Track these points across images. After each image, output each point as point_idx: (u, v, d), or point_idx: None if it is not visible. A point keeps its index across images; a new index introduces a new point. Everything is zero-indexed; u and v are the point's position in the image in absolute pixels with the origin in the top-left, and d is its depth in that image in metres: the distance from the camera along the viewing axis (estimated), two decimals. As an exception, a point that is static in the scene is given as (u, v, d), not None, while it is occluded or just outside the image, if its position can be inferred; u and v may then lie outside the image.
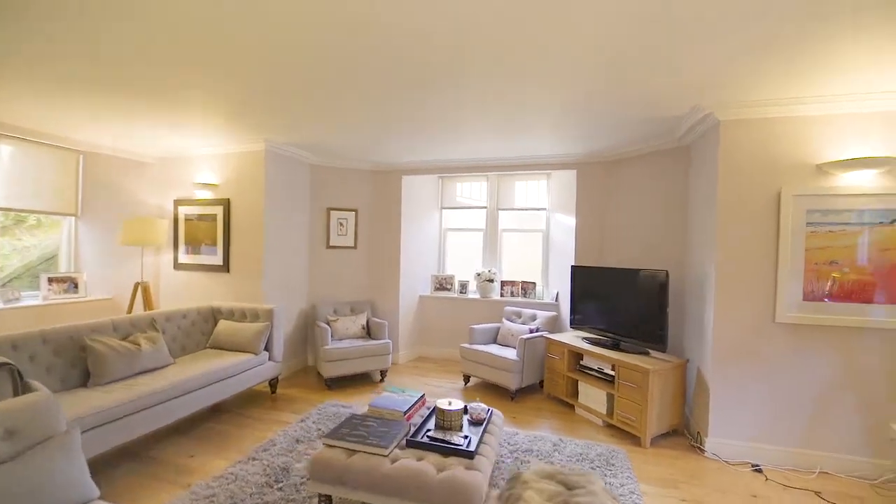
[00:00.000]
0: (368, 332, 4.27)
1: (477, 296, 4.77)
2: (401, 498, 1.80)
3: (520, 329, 3.93)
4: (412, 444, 2.03)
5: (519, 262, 4.86)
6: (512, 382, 3.53)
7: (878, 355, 2.44)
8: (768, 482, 2.42)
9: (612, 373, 3.11)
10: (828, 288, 2.51)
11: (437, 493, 1.75)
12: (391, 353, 4.00)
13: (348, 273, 4.63)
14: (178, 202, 4.16)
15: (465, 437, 2.12)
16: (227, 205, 3.95)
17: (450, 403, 2.28)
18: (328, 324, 4.08)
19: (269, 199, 3.85)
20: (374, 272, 4.75)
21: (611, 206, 3.95)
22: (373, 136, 3.50)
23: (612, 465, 2.56)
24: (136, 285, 3.89)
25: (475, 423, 2.32)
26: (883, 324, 2.42)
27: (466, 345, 3.93)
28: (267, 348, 3.49)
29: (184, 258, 4.15)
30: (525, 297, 4.61)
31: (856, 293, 2.47)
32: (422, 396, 2.52)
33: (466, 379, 3.96)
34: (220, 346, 3.42)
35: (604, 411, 3.12)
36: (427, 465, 1.87)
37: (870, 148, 2.42)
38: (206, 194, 4.02)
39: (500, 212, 4.87)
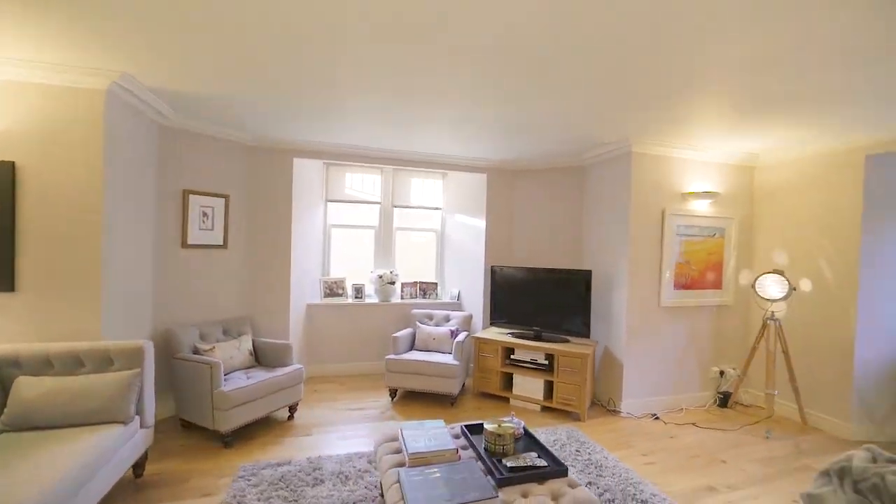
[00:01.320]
0: (257, 358, 3.28)
1: (375, 300, 4.34)
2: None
3: (440, 332, 3.84)
4: (505, 481, 1.78)
5: (412, 262, 4.69)
6: (453, 387, 3.43)
7: (707, 323, 3.69)
8: (667, 425, 3.29)
9: (546, 361, 3.50)
10: (684, 280, 3.60)
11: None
12: (302, 382, 3.20)
13: (214, 282, 3.38)
14: None
15: (538, 455, 2.00)
16: (9, 173, 2.23)
17: (499, 425, 2.10)
18: (204, 354, 2.90)
19: (110, 172, 2.41)
20: (253, 279, 3.64)
21: (518, 210, 4.35)
22: (251, 86, 2.47)
23: (582, 442, 2.92)
24: None
25: (516, 439, 2.20)
26: (708, 302, 3.67)
27: (393, 356, 3.55)
28: (137, 410, 2.21)
29: None
30: (425, 297, 4.51)
31: (696, 283, 3.64)
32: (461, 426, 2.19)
33: (393, 393, 3.59)
34: (34, 425, 1.95)
35: (541, 397, 3.46)
36: (544, 499, 1.69)
37: (708, 184, 3.61)
38: (-55, 149, 2.15)
39: (394, 209, 4.57)
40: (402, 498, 1.61)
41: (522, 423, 2.31)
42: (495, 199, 4.32)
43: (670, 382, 3.59)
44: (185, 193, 3.17)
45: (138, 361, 2.22)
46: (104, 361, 2.19)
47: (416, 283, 4.53)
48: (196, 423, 2.79)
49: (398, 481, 1.73)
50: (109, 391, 2.06)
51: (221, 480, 2.32)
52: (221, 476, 2.36)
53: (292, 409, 3.18)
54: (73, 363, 2.15)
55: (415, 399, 3.62)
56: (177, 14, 1.72)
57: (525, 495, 1.72)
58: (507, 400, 3.65)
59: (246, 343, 3.24)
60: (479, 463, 1.94)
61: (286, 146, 3.69)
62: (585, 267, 3.93)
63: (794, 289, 3.19)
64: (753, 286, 3.32)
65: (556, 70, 2.12)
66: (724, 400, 3.64)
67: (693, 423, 3.30)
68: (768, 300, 3.24)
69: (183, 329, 2.97)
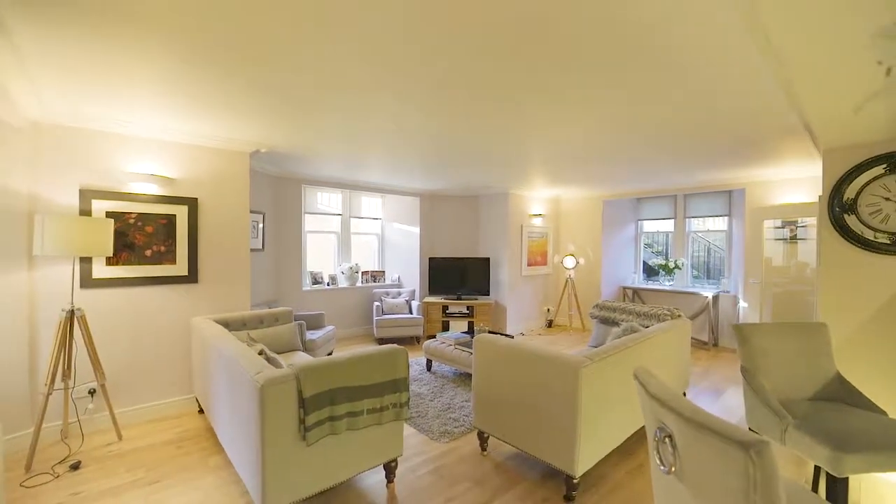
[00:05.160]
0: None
1: (345, 285, 6.05)
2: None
3: (399, 301, 5.92)
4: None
5: (363, 257, 6.53)
6: (419, 332, 5.62)
7: (540, 283, 6.86)
8: (526, 335, 6.25)
9: (468, 311, 6.03)
10: (532, 261, 6.64)
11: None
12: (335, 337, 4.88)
13: (258, 274, 4.69)
14: (92, 193, 2.96)
15: (500, 338, 4.49)
16: (195, 205, 3.41)
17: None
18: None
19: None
20: (278, 272, 5.00)
21: (440, 221, 6.70)
22: (316, 147, 4.43)
23: (496, 347, 5.57)
24: (69, 316, 2.66)
25: (484, 337, 4.63)
26: (540, 273, 6.85)
27: (381, 317, 5.49)
28: (302, 343, 3.74)
29: (105, 271, 3.04)
30: (375, 282, 6.44)
31: (537, 262, 6.75)
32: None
33: (382, 341, 5.52)
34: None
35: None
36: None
37: (540, 209, 6.74)
38: (152, 189, 3.22)
39: (351, 219, 6.32)
40: (451, 343, 3.87)
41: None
42: (426, 214, 6.59)
43: (527, 315, 6.61)
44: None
45: (290, 318, 3.75)
46: (274, 320, 3.65)
47: (368, 271, 6.42)
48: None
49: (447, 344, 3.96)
50: (289, 334, 3.60)
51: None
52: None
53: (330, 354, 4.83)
54: (257, 321, 3.55)
55: (395, 343, 5.63)
56: (285, 118, 3.49)
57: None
58: (446, 337, 6.03)
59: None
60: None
61: (299, 177, 5.15)
62: (485, 255, 6.62)
63: (578, 262, 6.58)
64: (561, 262, 6.58)
65: (457, 158, 4.50)
66: (550, 323, 6.89)
67: (539, 334, 6.36)
68: (568, 268, 6.54)
69: (258, 306, 4.30)
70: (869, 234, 2.49)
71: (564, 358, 2.22)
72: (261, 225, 4.74)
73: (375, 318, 5.50)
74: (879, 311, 2.43)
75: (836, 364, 1.86)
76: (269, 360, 2.47)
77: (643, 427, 2.82)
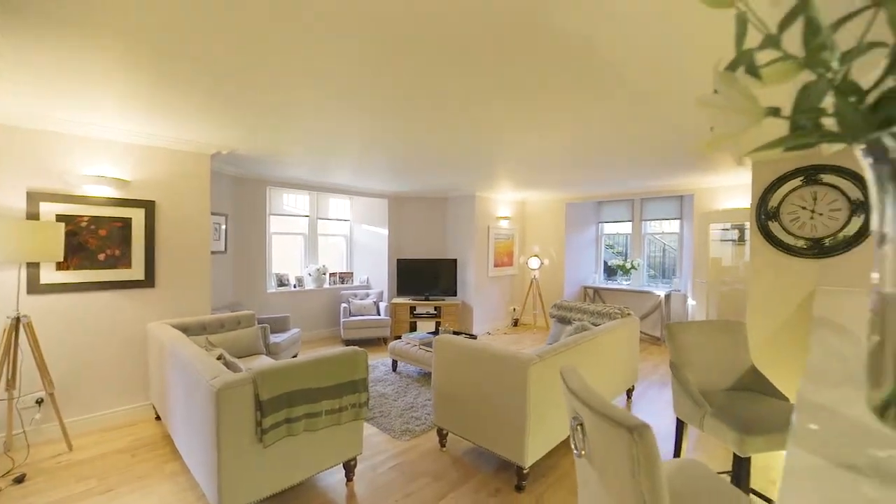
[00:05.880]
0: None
1: (312, 286, 6.02)
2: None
3: (366, 303, 5.96)
4: (459, 345, 4.32)
5: (330, 259, 6.52)
6: (387, 333, 5.68)
7: (507, 283, 7.04)
8: (492, 335, 6.41)
9: (435, 311, 6.13)
10: (498, 262, 6.81)
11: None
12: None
13: (222, 277, 4.62)
14: (41, 196, 2.87)
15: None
16: (152, 207, 3.35)
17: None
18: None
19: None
20: (240, 274, 4.94)
21: (409, 222, 6.76)
22: (278, 150, 4.46)
23: (462, 347, 5.70)
24: (14, 323, 2.57)
25: (449, 337, 4.74)
26: (504, 273, 7.02)
27: (348, 318, 5.51)
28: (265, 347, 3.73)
29: (54, 276, 2.95)
30: (343, 283, 6.44)
31: (503, 263, 6.92)
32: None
33: (348, 342, 5.54)
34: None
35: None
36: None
37: (507, 211, 6.92)
38: (107, 191, 3.15)
39: (318, 220, 6.30)
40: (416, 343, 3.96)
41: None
42: (394, 216, 6.64)
43: (494, 315, 6.78)
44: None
45: (253, 321, 3.74)
46: (235, 323, 3.63)
47: (336, 273, 6.41)
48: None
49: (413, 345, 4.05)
50: (252, 338, 3.59)
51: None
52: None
53: (295, 356, 4.82)
54: (217, 325, 3.52)
55: (362, 344, 5.66)
56: (246, 123, 3.53)
57: (467, 348, 4.31)
58: (413, 338, 6.10)
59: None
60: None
61: (263, 178, 5.10)
62: (452, 257, 6.73)
63: (543, 263, 6.80)
64: (526, 263, 6.78)
65: (422, 163, 4.69)
66: (515, 322, 7.08)
67: (504, 334, 6.54)
68: (532, 269, 6.75)
69: (220, 310, 4.25)
70: (789, 240, 2.75)
71: (515, 356, 2.35)
72: (223, 227, 4.68)
73: (342, 319, 5.51)
74: (797, 308, 2.69)
75: (752, 357, 2.06)
76: (227, 364, 2.49)
77: (592, 420, 3.00)
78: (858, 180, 2.52)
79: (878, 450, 0.54)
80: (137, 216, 3.30)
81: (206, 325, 3.42)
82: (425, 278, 6.39)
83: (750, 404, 1.76)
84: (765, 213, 2.86)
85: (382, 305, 5.93)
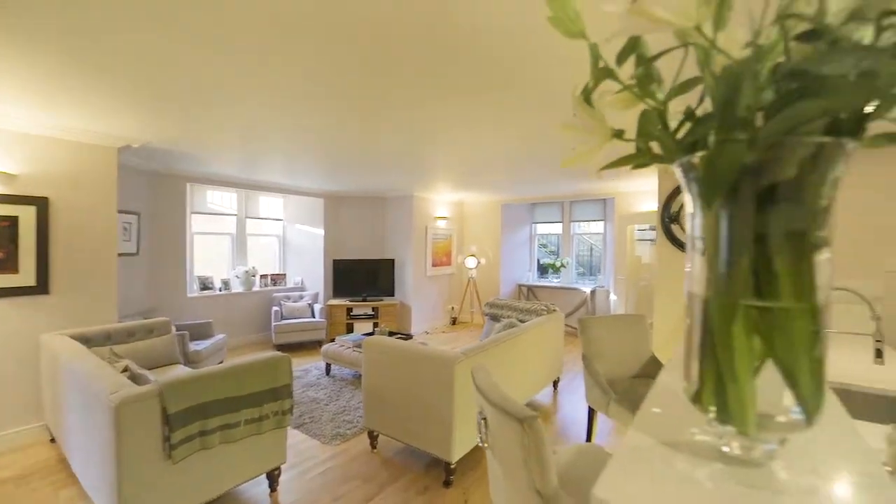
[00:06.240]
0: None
1: (241, 290, 5.69)
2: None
3: (301, 305, 5.76)
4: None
5: (261, 260, 6.21)
6: (322, 336, 5.52)
7: (446, 283, 7.13)
8: (430, 334, 6.47)
9: (373, 312, 6.07)
10: (436, 261, 6.89)
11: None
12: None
13: (133, 281, 4.23)
14: None
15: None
16: (45, 206, 2.98)
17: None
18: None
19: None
20: (156, 278, 4.55)
21: (347, 222, 6.61)
22: (188, 143, 4.22)
23: (400, 347, 5.70)
24: None
25: (385, 338, 4.72)
26: (446, 272, 7.11)
27: (280, 322, 5.28)
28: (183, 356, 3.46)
29: (-85, 284, 2.53)
30: (275, 285, 6.16)
31: (441, 263, 7.01)
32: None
33: (279, 348, 5.31)
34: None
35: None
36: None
37: (444, 211, 7.01)
38: (-15, 186, 2.77)
39: (247, 219, 5.97)
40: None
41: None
42: (330, 215, 6.46)
43: (432, 314, 6.84)
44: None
45: (168, 329, 3.47)
46: (147, 332, 3.34)
47: (267, 275, 6.12)
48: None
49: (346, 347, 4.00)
50: (167, 347, 3.33)
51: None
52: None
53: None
54: (125, 335, 3.22)
55: (295, 348, 5.46)
56: (161, 114, 3.35)
57: (403, 348, 4.32)
58: (350, 340, 5.99)
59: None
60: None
61: (184, 174, 4.74)
62: (390, 257, 6.68)
63: (480, 262, 6.97)
64: (463, 262, 6.92)
65: (354, 164, 4.68)
66: (454, 320, 7.21)
67: (442, 332, 6.63)
68: (470, 268, 6.90)
69: (130, 317, 3.90)
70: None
71: (441, 355, 2.41)
72: (135, 227, 4.28)
73: (273, 323, 5.28)
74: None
75: (658, 347, 2.27)
76: (134, 377, 2.30)
77: (519, 412, 3.15)
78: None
79: (694, 429, 0.63)
80: (27, 214, 2.93)
81: (112, 335, 3.12)
82: (363, 279, 6.30)
83: (648, 390, 1.95)
84: (668, 216, 3.17)
85: (317, 307, 5.76)
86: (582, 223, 7.04)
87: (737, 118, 0.43)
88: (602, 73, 0.58)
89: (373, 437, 2.86)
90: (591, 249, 7.23)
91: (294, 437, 3.05)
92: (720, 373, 0.51)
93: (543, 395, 3.87)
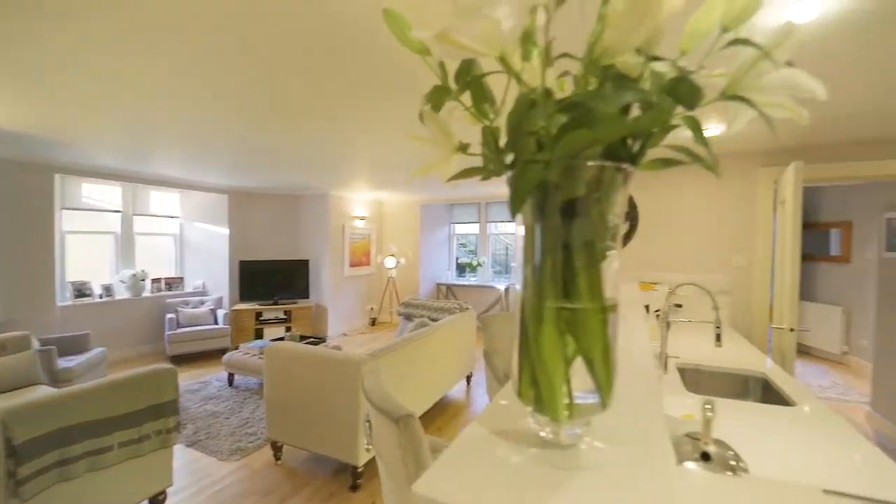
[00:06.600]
0: (46, 351, 3.82)
1: (127, 296, 5.05)
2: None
3: (201, 311, 5.28)
4: (306, 350, 4.14)
5: (154, 262, 5.57)
6: (227, 343, 5.11)
7: (365, 283, 7.01)
8: (348, 336, 6.33)
9: (285, 316, 5.77)
10: (354, 262, 6.74)
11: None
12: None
13: (-22, 291, 3.55)
14: None
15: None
16: None
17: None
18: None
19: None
20: (13, 285, 3.86)
21: (257, 221, 6.16)
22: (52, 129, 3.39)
23: (315, 351, 5.48)
24: None
25: (297, 342, 4.51)
26: (365, 272, 7.00)
27: (175, 330, 4.79)
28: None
29: None
30: (171, 290, 5.57)
31: (360, 263, 6.87)
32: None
33: (174, 359, 4.81)
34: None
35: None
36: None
37: (363, 211, 6.89)
38: None
39: (135, 217, 5.32)
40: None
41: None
42: (236, 213, 5.99)
43: (351, 315, 6.68)
44: (-49, 208, 3.30)
45: (28, 344, 2.97)
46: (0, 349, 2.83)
47: (160, 279, 5.51)
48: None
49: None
50: (25, 365, 2.85)
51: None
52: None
53: (98, 383, 3.99)
54: None
55: (192, 359, 4.98)
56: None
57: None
58: (260, 346, 5.62)
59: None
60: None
61: (52, 164, 4.08)
62: (304, 257, 6.38)
63: (399, 262, 6.97)
64: (382, 262, 6.86)
65: (272, 159, 4.51)
66: (373, 321, 7.11)
67: (361, 333, 6.51)
68: (389, 268, 6.86)
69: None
70: (582, 240, 3.37)
71: (347, 357, 2.37)
72: (-19, 225, 3.59)
73: (167, 332, 4.78)
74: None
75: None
76: (-30, 403, 1.93)
77: (425, 413, 3.21)
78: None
79: (525, 419, 0.69)
80: None
81: (-55, 355, 2.61)
82: (274, 281, 5.95)
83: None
84: (566, 218, 3.45)
85: (221, 313, 5.32)
86: (498, 223, 7.36)
87: (521, 141, 0.49)
88: (438, 91, 0.61)
89: (276, 449, 2.72)
90: (507, 249, 7.60)
91: (186, 456, 2.80)
92: (534, 367, 0.57)
93: (457, 391, 3.98)
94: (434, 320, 3.58)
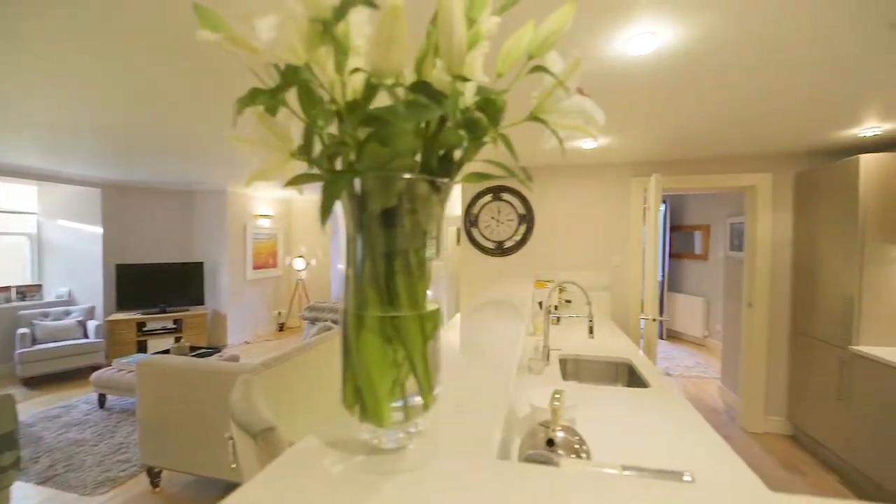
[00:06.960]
0: None
1: (-40, 309, 4.16)
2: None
3: (67, 323, 4.55)
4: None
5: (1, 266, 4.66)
6: (100, 359, 4.46)
7: (271, 286, 6.58)
8: (251, 344, 5.90)
9: (175, 325, 5.20)
10: (258, 263, 6.30)
11: (234, 365, 3.93)
12: None
13: None
14: None
15: (206, 353, 4.04)
16: None
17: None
18: None
19: None
20: None
21: (137, 218, 5.42)
22: None
23: (211, 362, 5.02)
24: None
25: (187, 354, 4.08)
26: (272, 275, 6.57)
27: (29, 348, 4.05)
28: None
29: None
30: (25, 300, 4.71)
31: (265, 265, 6.44)
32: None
33: (29, 381, 4.07)
34: None
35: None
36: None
37: (268, 210, 6.46)
38: None
39: (-28, 214, 4.40)
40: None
41: (188, 347, 4.22)
42: (112, 210, 5.23)
43: (255, 321, 6.23)
44: None
45: None
46: None
47: (10, 287, 4.64)
48: None
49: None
50: None
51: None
52: None
53: None
54: None
55: (56, 379, 4.26)
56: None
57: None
58: (144, 360, 5.00)
59: None
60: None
61: None
62: (198, 259, 5.79)
63: (309, 263, 6.66)
64: (290, 264, 6.51)
65: (156, 150, 4.11)
66: (281, 326, 6.71)
67: (267, 340, 6.11)
68: (298, 270, 6.53)
69: None
70: (484, 242, 3.52)
71: (237, 368, 2.20)
72: None
73: (18, 350, 4.03)
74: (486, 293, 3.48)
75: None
76: None
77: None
78: (522, 199, 3.46)
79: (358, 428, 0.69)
80: None
81: None
82: (161, 286, 5.32)
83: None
84: (469, 220, 3.57)
85: (93, 325, 4.63)
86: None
87: (311, 150, 0.50)
88: (252, 94, 0.59)
89: (153, 475, 2.44)
90: (421, 249, 7.68)
91: (38, 495, 2.39)
92: (355, 376, 0.57)
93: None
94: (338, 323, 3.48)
